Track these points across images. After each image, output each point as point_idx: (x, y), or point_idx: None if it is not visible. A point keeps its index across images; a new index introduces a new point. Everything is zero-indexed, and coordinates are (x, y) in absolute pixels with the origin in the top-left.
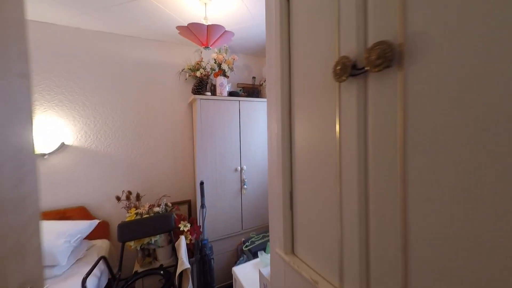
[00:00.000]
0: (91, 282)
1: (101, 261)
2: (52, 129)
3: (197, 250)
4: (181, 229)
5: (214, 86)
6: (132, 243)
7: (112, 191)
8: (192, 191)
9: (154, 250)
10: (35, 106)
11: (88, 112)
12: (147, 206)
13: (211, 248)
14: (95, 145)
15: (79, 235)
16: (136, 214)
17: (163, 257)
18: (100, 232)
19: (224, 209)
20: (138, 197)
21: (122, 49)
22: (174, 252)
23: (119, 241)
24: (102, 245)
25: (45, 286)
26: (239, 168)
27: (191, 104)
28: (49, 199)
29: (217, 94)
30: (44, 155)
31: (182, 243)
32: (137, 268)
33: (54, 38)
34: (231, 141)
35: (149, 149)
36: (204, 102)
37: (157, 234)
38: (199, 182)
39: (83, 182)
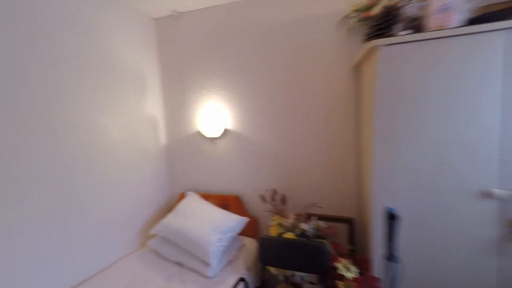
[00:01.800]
0: None
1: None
2: (218, 114)
3: None
4: (339, 271)
5: (415, 20)
6: (273, 269)
7: (261, 184)
8: (353, 205)
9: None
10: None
11: (240, 94)
12: (293, 216)
13: None
14: (247, 131)
15: (230, 233)
16: (280, 225)
17: None
18: (249, 228)
19: (447, 274)
20: (283, 200)
21: (269, 13)
22: None
23: (259, 261)
24: (250, 248)
25: None
26: (495, 191)
27: (356, 68)
28: (216, 184)
29: (432, 28)
30: (213, 139)
31: None
32: None
33: (219, 20)
34: (470, 127)
35: (296, 139)
36: (397, 49)
37: (302, 272)
38: (387, 212)
39: (238, 169)
